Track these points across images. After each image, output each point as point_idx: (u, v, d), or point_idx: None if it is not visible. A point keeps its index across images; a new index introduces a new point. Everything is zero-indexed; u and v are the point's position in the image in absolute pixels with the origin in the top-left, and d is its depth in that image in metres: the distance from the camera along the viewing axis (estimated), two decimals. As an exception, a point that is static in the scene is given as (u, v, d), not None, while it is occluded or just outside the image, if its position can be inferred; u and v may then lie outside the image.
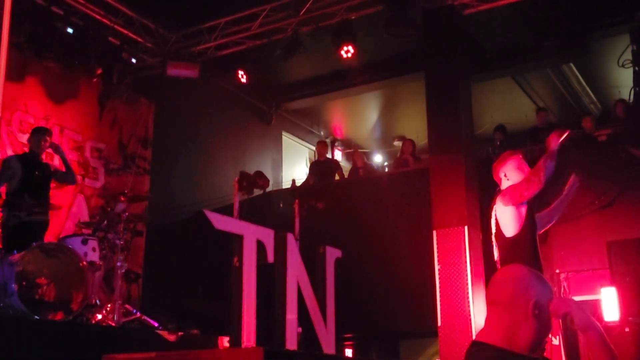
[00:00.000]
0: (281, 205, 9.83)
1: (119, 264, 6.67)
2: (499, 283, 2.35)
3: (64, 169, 7.32)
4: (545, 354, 4.65)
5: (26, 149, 7.25)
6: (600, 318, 7.65)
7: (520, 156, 5.12)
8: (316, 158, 12.94)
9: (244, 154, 12.70)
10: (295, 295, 6.37)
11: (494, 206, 4.94)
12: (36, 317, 5.41)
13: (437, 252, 7.95)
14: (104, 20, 9.31)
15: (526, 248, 4.80)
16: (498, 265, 4.87)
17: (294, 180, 12.33)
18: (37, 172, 6.88)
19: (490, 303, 2.36)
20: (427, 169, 8.51)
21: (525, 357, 2.27)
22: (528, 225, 4.84)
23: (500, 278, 2.37)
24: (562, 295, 8.06)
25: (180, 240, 10.10)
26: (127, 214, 6.81)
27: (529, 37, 10.71)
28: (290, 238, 6.50)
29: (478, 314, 7.53)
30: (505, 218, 4.83)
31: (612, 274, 7.82)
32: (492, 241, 5.08)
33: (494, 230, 4.94)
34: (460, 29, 8.84)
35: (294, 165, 14.19)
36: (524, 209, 4.84)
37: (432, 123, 8.52)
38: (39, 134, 7.09)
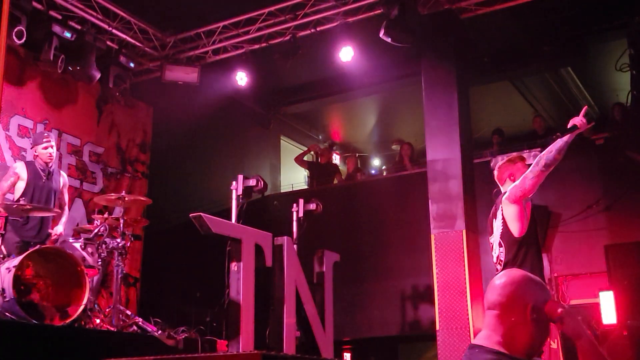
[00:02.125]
0: (277, 207, 9.84)
1: (117, 268, 6.66)
2: (497, 287, 2.36)
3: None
4: (543, 357, 4.66)
5: (24, 153, 7.25)
6: (598, 321, 7.67)
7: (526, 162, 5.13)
8: (314, 159, 12.94)
9: (242, 158, 12.69)
10: (294, 299, 6.37)
11: (500, 206, 4.93)
12: (34, 321, 5.40)
13: (435, 255, 7.96)
14: (102, 24, 9.31)
15: (533, 249, 4.82)
16: (500, 267, 4.87)
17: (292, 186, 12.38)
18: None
19: (488, 307, 2.37)
20: (425, 173, 8.53)
21: (523, 360, 2.28)
22: (533, 224, 4.86)
23: (498, 282, 2.38)
24: (558, 299, 8.07)
25: (178, 244, 10.08)
26: (125, 218, 6.80)
27: (527, 41, 10.72)
28: (289, 242, 6.50)
29: (476, 317, 7.54)
30: (512, 217, 4.83)
31: (610, 278, 7.84)
32: (491, 244, 5.07)
33: (500, 230, 4.92)
34: (458, 33, 8.86)
35: (292, 170, 14.18)
36: (529, 208, 4.85)
37: (430, 127, 8.54)
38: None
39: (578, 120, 4.72)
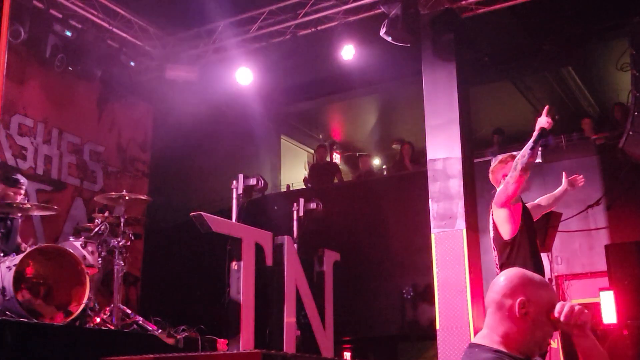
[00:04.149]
0: (277, 208, 9.84)
1: (117, 267, 6.66)
2: (493, 285, 2.37)
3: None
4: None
5: (24, 152, 7.19)
6: (599, 321, 7.66)
7: None
8: (315, 161, 12.94)
9: (242, 157, 12.68)
10: (294, 298, 6.38)
11: (490, 211, 4.96)
12: (34, 320, 5.40)
13: (436, 254, 7.95)
14: (103, 23, 9.31)
15: (525, 250, 4.80)
16: (498, 270, 4.87)
17: (288, 186, 12.38)
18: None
19: (486, 306, 2.37)
20: (426, 172, 8.52)
21: (522, 359, 2.26)
22: (525, 226, 4.85)
23: (494, 281, 2.38)
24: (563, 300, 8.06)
25: (178, 243, 10.09)
26: (125, 217, 6.80)
27: (528, 40, 10.71)
28: (289, 241, 6.51)
29: (476, 317, 7.54)
30: (501, 220, 4.85)
31: (611, 277, 7.83)
32: (492, 246, 5.08)
33: (492, 235, 4.95)
34: (459, 33, 8.85)
35: (293, 169, 14.18)
36: (518, 210, 4.85)
37: (431, 126, 8.54)
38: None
39: (543, 121, 4.84)
